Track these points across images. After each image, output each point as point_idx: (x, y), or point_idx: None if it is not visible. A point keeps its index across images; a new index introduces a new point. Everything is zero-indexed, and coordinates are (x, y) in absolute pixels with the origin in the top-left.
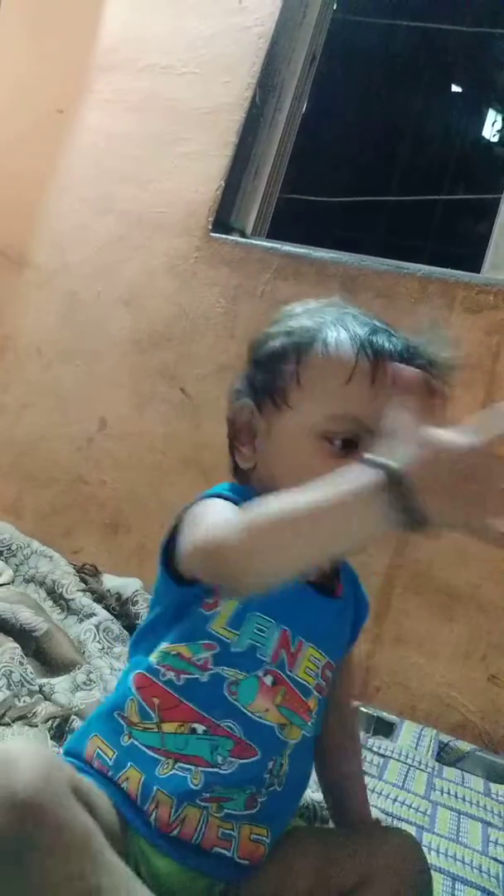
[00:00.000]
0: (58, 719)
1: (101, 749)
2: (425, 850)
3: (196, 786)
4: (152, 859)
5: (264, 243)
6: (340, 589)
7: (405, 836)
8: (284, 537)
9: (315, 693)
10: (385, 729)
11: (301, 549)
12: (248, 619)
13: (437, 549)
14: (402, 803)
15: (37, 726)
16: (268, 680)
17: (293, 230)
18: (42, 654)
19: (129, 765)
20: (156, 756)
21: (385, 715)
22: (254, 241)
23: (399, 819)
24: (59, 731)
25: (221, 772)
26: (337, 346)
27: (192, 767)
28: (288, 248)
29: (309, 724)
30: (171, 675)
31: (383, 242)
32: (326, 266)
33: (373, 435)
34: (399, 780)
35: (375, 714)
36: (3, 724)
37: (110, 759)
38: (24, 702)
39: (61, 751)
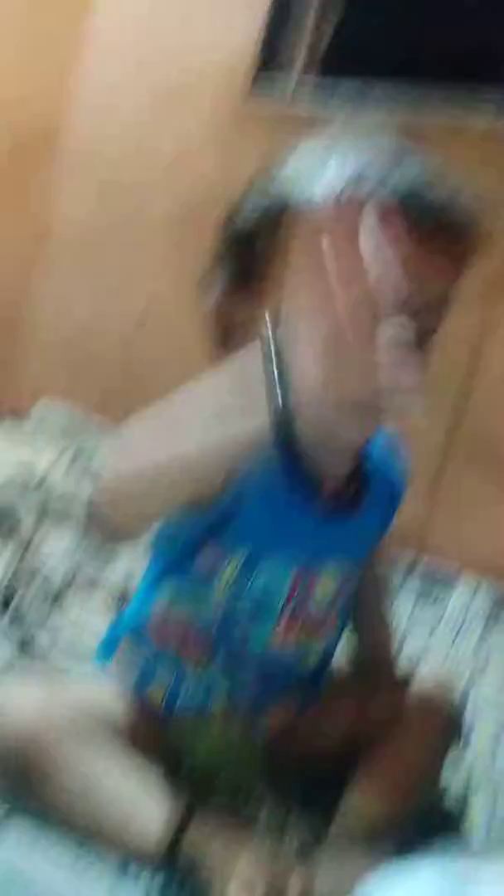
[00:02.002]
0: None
1: (133, 651)
2: (472, 703)
3: (217, 703)
4: (192, 728)
5: (307, 101)
6: (356, 501)
7: (438, 683)
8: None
9: (335, 605)
10: (439, 587)
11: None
12: (256, 573)
13: (494, 414)
14: (452, 659)
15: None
16: (283, 622)
17: (343, 79)
18: None
19: (154, 684)
20: (179, 676)
21: (440, 573)
22: (296, 100)
23: (448, 671)
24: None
25: (242, 696)
26: (324, 200)
27: (213, 692)
28: (333, 102)
29: (332, 634)
30: (183, 617)
31: (453, 68)
32: (379, 118)
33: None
34: (452, 634)
35: (430, 573)
36: (71, 591)
37: (136, 673)
38: (94, 567)
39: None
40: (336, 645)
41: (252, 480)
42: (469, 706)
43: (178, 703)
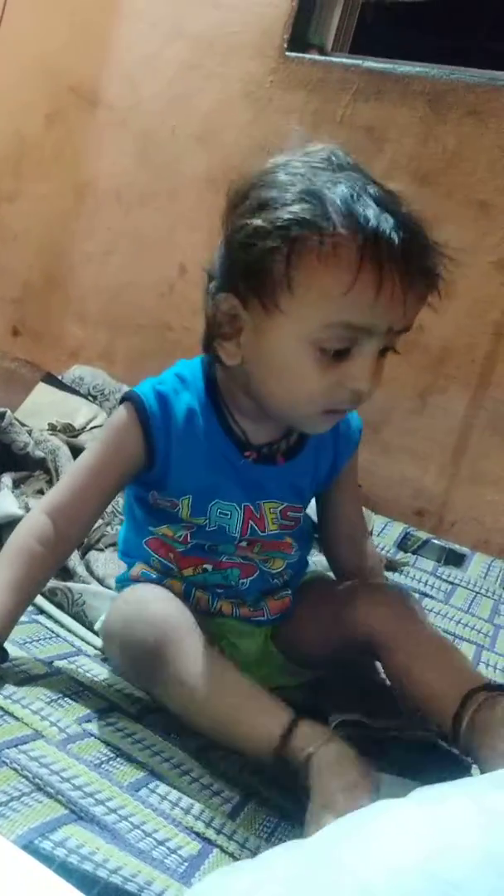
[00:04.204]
0: None
1: (144, 570)
2: (483, 666)
3: (222, 594)
4: (212, 618)
5: (344, 60)
6: (284, 459)
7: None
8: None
9: (286, 533)
10: (456, 560)
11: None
12: (210, 508)
13: None
14: (466, 625)
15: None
16: (242, 544)
17: (381, 43)
18: None
19: (170, 578)
20: (187, 585)
21: (457, 547)
22: (332, 59)
23: (460, 638)
24: None
25: (240, 588)
26: (335, 248)
27: (214, 589)
28: (369, 63)
29: (292, 553)
30: (170, 541)
31: (487, 50)
32: (412, 82)
33: (371, 336)
34: (465, 604)
35: (448, 546)
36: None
37: (154, 574)
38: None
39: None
40: (303, 563)
41: (173, 445)
42: (480, 668)
43: (191, 597)
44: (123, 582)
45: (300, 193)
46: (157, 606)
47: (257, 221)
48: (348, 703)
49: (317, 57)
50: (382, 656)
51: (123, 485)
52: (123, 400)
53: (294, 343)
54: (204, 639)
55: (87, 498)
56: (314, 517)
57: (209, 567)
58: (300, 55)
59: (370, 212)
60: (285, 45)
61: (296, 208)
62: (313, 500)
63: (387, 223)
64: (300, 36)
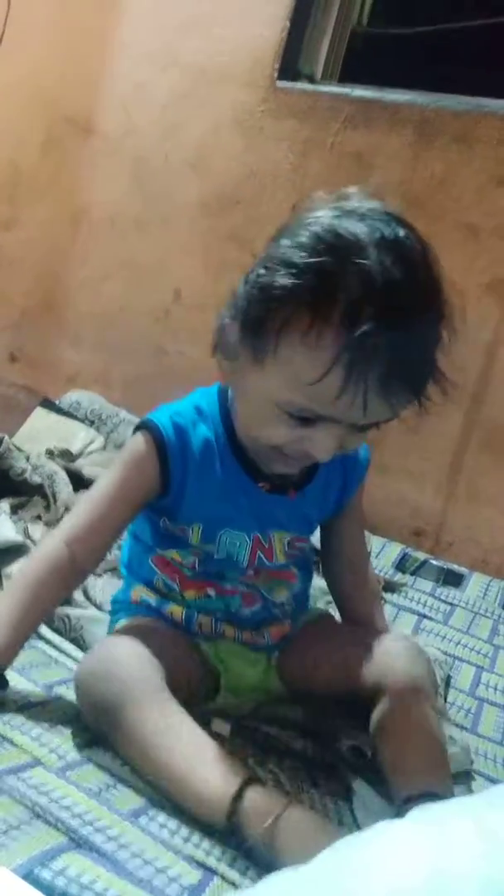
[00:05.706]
0: None
1: (144, 595)
2: (483, 687)
3: (223, 619)
4: (215, 641)
5: (333, 89)
6: (295, 491)
7: (412, 643)
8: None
9: (291, 563)
10: (454, 580)
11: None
12: (220, 537)
13: None
14: (465, 646)
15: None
16: (249, 572)
17: (370, 71)
18: None
19: (171, 604)
20: (189, 610)
21: (455, 567)
22: (321, 88)
23: (459, 660)
24: None
25: (240, 615)
26: (318, 340)
27: (216, 614)
28: (358, 92)
29: (296, 582)
30: (177, 565)
31: (477, 77)
32: (400, 109)
33: (336, 421)
34: (464, 625)
35: (446, 566)
36: (95, 575)
37: (154, 601)
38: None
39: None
40: (306, 593)
41: (190, 476)
42: (480, 689)
43: (193, 622)
44: (120, 603)
45: (318, 265)
46: (122, 670)
47: (269, 278)
48: (349, 729)
49: (307, 86)
50: (376, 715)
51: (139, 513)
52: (140, 427)
53: (264, 399)
54: (167, 701)
55: (105, 528)
56: (315, 542)
57: (212, 592)
58: (290, 84)
59: (371, 317)
60: (275, 75)
61: (304, 282)
62: None
63: (381, 335)
64: (290, 65)
